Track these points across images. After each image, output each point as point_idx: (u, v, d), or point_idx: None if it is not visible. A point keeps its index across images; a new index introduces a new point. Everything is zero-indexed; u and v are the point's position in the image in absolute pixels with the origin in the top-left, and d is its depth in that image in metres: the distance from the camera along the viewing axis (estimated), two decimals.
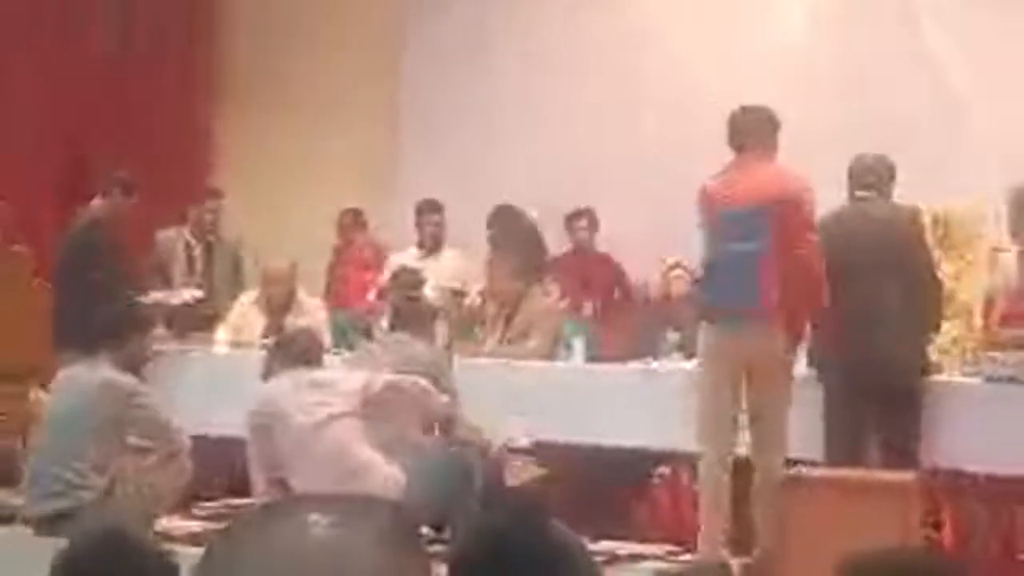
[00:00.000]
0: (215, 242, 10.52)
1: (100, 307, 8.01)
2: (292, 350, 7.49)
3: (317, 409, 7.08)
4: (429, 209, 10.48)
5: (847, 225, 7.40)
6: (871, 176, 7.52)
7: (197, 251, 10.40)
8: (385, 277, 9.89)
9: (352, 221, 11.14)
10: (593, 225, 10.38)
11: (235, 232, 10.85)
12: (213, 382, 8.93)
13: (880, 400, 7.27)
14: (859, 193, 7.51)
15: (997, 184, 8.52)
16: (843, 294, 7.18)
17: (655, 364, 8.31)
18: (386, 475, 6.95)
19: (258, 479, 7.26)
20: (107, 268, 9.08)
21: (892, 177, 7.57)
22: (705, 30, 10.98)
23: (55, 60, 11.56)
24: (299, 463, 7.04)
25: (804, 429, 7.26)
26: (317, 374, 7.31)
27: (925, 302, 7.40)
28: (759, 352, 7.10)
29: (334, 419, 7.07)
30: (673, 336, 8.60)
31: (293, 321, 9.23)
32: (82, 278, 8.96)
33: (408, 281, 9.42)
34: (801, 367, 7.47)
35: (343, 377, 7.35)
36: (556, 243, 10.18)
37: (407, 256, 10.16)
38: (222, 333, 9.46)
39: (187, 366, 9.12)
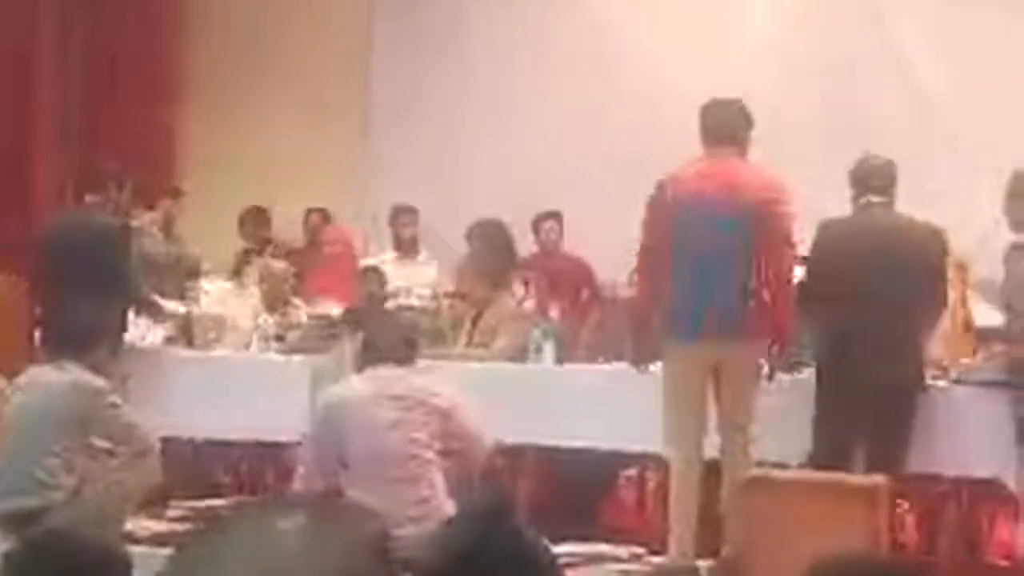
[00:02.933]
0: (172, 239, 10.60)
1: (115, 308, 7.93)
2: (377, 345, 6.95)
3: (394, 428, 6.55)
4: (404, 212, 10.58)
5: (861, 234, 7.27)
6: (877, 180, 7.35)
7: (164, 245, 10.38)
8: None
9: (320, 220, 11.18)
10: (560, 227, 10.41)
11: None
12: (197, 384, 8.88)
13: (873, 412, 7.16)
14: (871, 199, 7.33)
15: (970, 183, 8.56)
16: (851, 302, 7.12)
17: (622, 366, 8.30)
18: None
19: (312, 475, 6.80)
20: (127, 267, 8.90)
21: (895, 181, 7.38)
22: (681, 28, 11.00)
23: (19, 56, 11.50)
24: (364, 481, 6.52)
25: (779, 433, 7.29)
26: (397, 384, 6.71)
27: (932, 321, 7.33)
28: (727, 359, 7.11)
29: (411, 443, 6.55)
30: None
31: (269, 320, 9.35)
32: (100, 278, 8.56)
33: (372, 280, 9.52)
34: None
35: (426, 391, 6.71)
36: (523, 245, 10.18)
37: (384, 260, 10.21)
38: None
39: (169, 368, 9.08)
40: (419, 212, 10.59)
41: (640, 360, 7.38)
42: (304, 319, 9.48)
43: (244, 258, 10.87)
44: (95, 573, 2.90)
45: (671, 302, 7.19)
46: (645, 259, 7.27)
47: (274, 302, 9.62)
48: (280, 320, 9.37)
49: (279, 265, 9.89)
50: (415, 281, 10.02)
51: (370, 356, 6.89)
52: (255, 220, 11.23)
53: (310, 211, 11.22)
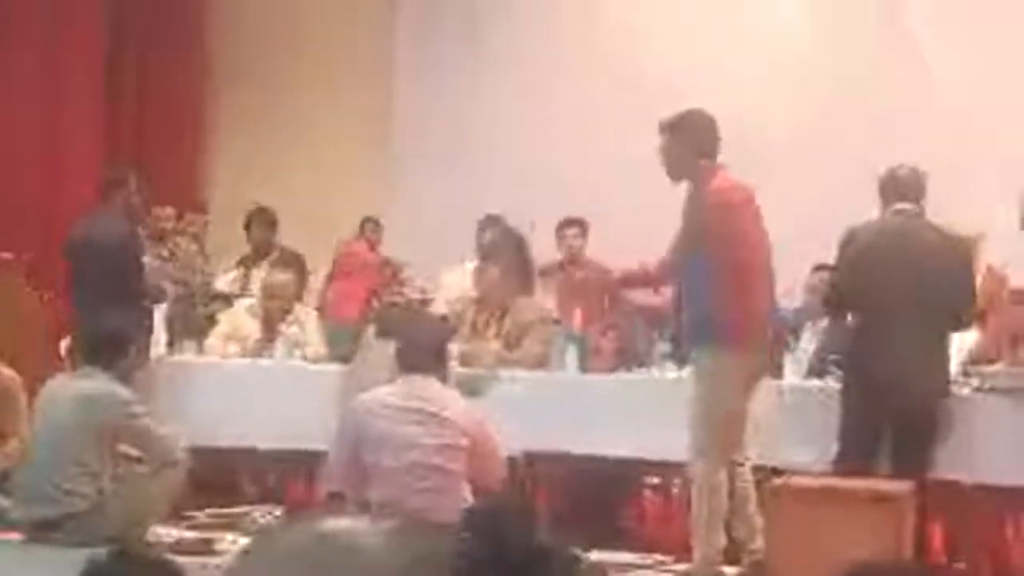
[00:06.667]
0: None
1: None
2: (409, 354, 6.93)
3: (419, 441, 6.65)
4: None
5: (890, 241, 7.26)
6: (906, 188, 7.32)
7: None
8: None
9: (373, 228, 11.04)
10: (584, 234, 10.37)
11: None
12: (216, 392, 8.86)
13: (898, 417, 7.16)
14: (899, 206, 7.30)
15: (993, 187, 8.51)
16: (878, 307, 7.14)
17: (645, 373, 8.30)
18: None
19: (340, 482, 6.95)
20: (141, 275, 8.91)
21: (924, 190, 7.35)
22: (703, 31, 11.03)
23: (49, 44, 11.51)
24: (389, 490, 6.62)
25: (804, 439, 7.33)
26: (425, 396, 6.76)
27: (959, 328, 7.34)
28: (760, 369, 7.18)
29: (435, 455, 6.65)
30: (664, 345, 8.58)
31: (288, 329, 9.27)
32: (116, 284, 8.59)
33: (395, 287, 9.51)
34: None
35: (451, 406, 6.80)
36: (546, 251, 10.16)
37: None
38: (213, 340, 9.44)
39: (190, 376, 9.08)
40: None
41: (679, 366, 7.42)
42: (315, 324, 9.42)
43: (249, 262, 10.62)
44: None
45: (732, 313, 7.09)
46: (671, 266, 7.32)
47: (274, 320, 9.33)
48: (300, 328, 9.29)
49: (282, 278, 9.56)
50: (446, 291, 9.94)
51: (402, 364, 6.91)
52: (260, 221, 10.80)
53: (365, 220, 11.07)
